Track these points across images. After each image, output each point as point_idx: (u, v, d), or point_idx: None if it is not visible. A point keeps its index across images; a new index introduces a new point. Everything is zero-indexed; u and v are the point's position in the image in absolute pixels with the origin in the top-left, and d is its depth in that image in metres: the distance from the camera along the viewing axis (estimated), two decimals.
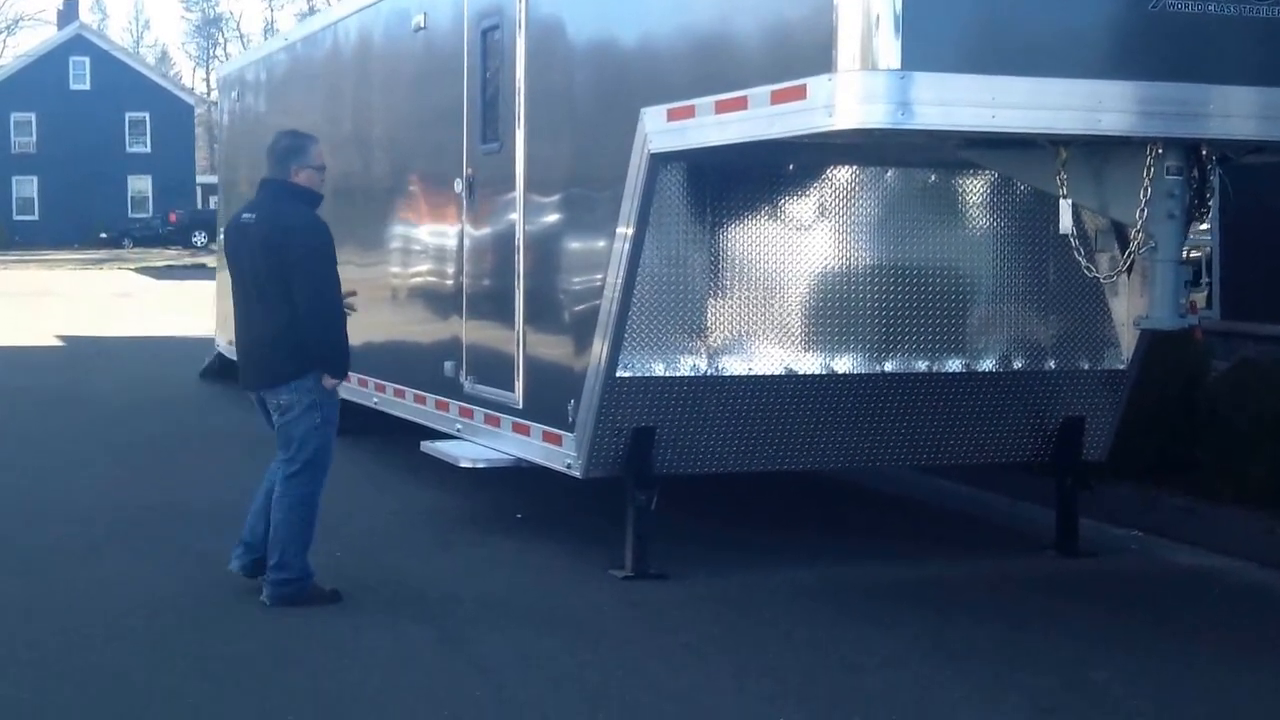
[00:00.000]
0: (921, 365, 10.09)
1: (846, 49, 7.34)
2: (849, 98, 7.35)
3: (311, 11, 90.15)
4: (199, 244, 75.15)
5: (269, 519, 9.23)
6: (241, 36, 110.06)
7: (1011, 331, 10.26)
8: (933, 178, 9.94)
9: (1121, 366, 10.39)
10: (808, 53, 7.59)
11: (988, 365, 10.24)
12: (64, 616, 8.93)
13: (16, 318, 32.21)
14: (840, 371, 9.93)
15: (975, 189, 10.04)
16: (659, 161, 9.00)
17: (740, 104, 8.09)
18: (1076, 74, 7.61)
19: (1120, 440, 10.74)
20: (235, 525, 10.15)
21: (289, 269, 8.96)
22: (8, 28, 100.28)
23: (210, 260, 55.38)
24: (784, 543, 10.80)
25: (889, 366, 10.02)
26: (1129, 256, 8.39)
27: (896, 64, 7.27)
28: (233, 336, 19.03)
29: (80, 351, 25.65)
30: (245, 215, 9.34)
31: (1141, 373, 10.58)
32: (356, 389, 14.02)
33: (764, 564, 10.10)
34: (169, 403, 18.49)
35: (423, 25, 12.58)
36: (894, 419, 10.18)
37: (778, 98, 7.76)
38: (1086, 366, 10.36)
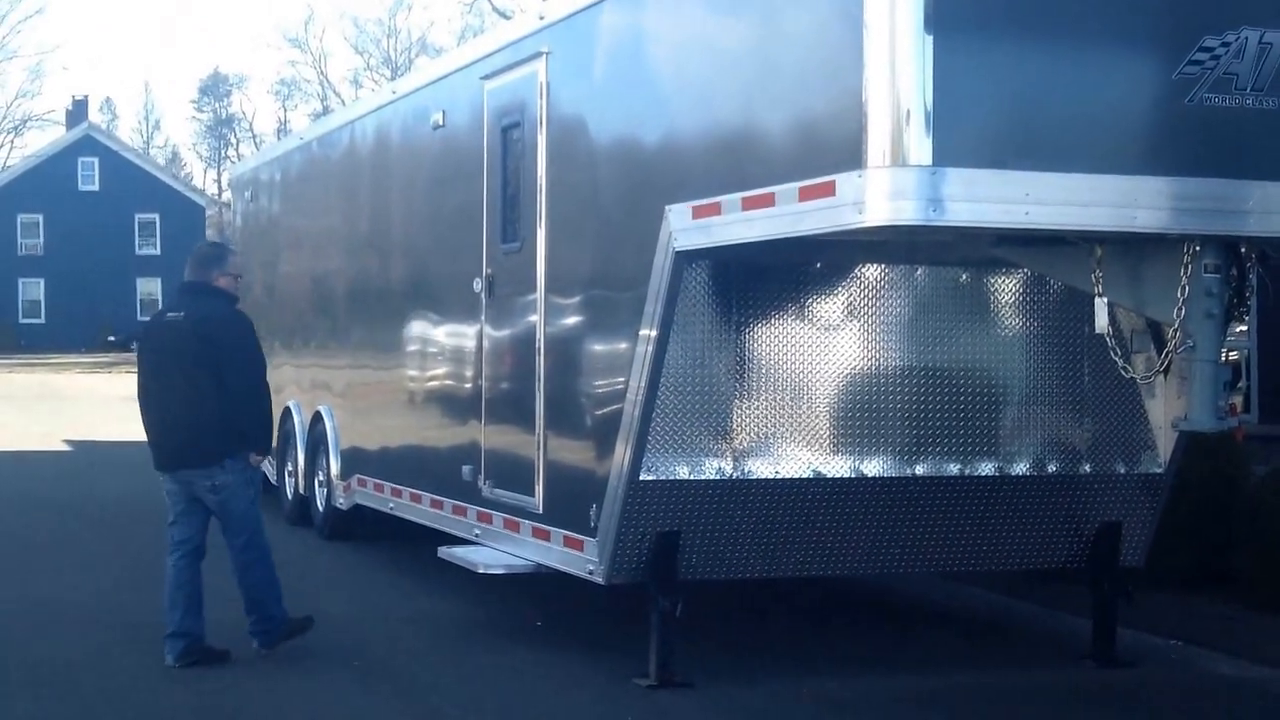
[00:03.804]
0: (953, 469, 10.05)
1: (876, 145, 7.38)
2: (879, 194, 7.39)
3: (326, 112, 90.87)
4: None
5: (186, 604, 10.26)
6: (254, 137, 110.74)
7: (1045, 434, 10.23)
8: (964, 276, 9.94)
9: (1159, 470, 10.35)
10: (836, 149, 7.64)
11: (1021, 469, 10.20)
12: None
13: (24, 422, 32.28)
14: (869, 475, 9.90)
15: (1007, 288, 10.04)
16: (684, 260, 9.03)
17: (767, 201, 8.13)
18: (1111, 169, 7.65)
19: (1158, 546, 10.68)
20: (241, 631, 10.21)
21: (221, 357, 10.16)
22: (15, 128, 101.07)
23: None
24: (811, 650, 10.76)
25: (920, 470, 9.99)
26: (1166, 357, 8.39)
27: (928, 160, 7.31)
28: None
29: (88, 456, 25.67)
30: (171, 314, 10.56)
31: (1179, 477, 10.53)
32: (372, 494, 14.05)
33: (791, 672, 10.04)
34: None
35: (441, 123, 12.68)
36: (925, 524, 10.14)
37: (806, 194, 7.80)
38: (1123, 470, 10.32)
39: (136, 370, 10.75)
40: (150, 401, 10.48)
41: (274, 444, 10.46)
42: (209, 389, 10.13)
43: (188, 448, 10.26)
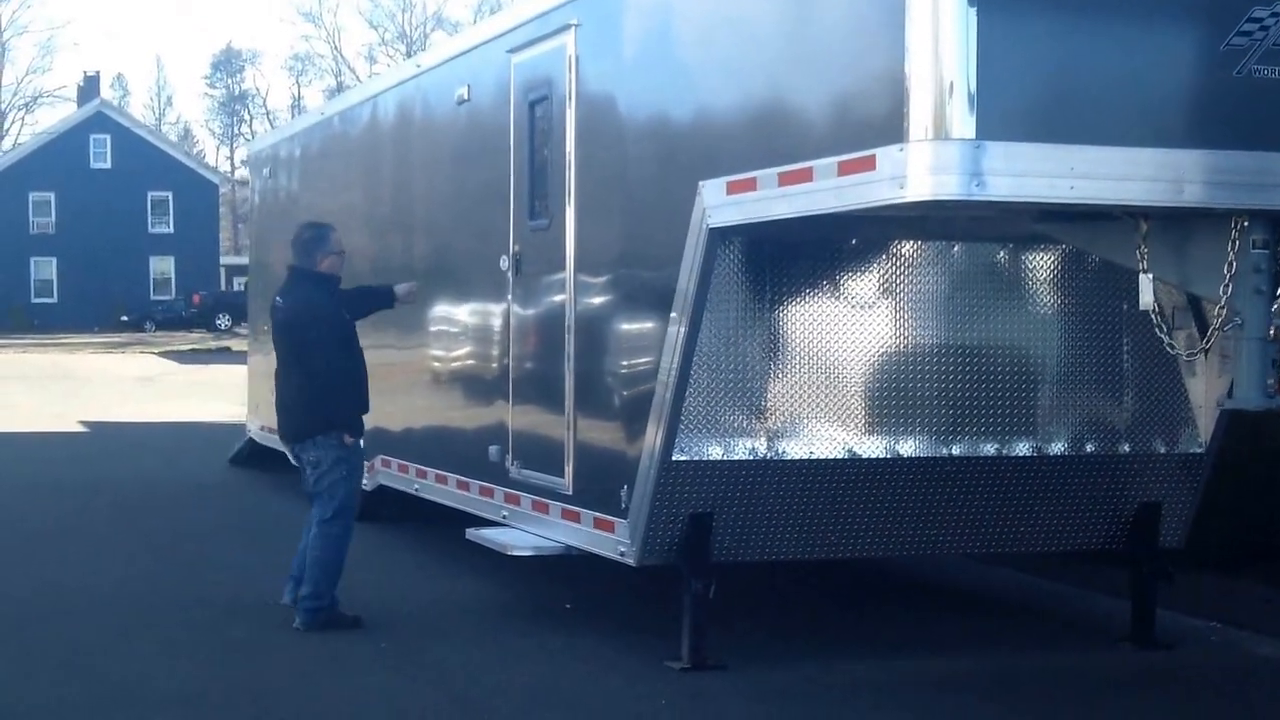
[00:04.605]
0: (989, 449, 10.00)
1: (918, 118, 7.29)
2: (921, 169, 7.31)
3: (340, 88, 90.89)
4: (223, 327, 75.57)
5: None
6: (267, 113, 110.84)
7: (1083, 413, 10.17)
8: (1001, 253, 9.88)
9: (1199, 450, 10.28)
10: (877, 122, 7.57)
11: (1058, 449, 10.14)
12: (97, 714, 8.94)
13: (39, 403, 32.32)
14: (905, 455, 9.85)
15: (1045, 264, 9.98)
16: (717, 236, 8.97)
17: (805, 175, 8.07)
18: (1158, 143, 7.55)
19: (1197, 526, 10.62)
20: (269, 616, 10.25)
21: (301, 344, 10.92)
22: (26, 104, 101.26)
23: (235, 343, 55.69)
24: (845, 634, 10.75)
25: (956, 450, 9.94)
26: (1212, 333, 8.31)
27: (971, 133, 7.23)
28: (265, 422, 19.17)
29: (105, 437, 25.68)
30: (276, 299, 11.27)
31: (1221, 455, 10.46)
32: (397, 475, 14.02)
33: (825, 655, 10.02)
34: (199, 490, 18.49)
35: (466, 98, 12.62)
36: (961, 505, 10.10)
37: (845, 169, 7.74)
38: (1162, 450, 10.26)
39: None
40: (273, 379, 11.46)
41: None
42: (294, 372, 11.02)
43: (287, 423, 11.16)
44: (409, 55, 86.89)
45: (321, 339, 10.90)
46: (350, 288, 11.78)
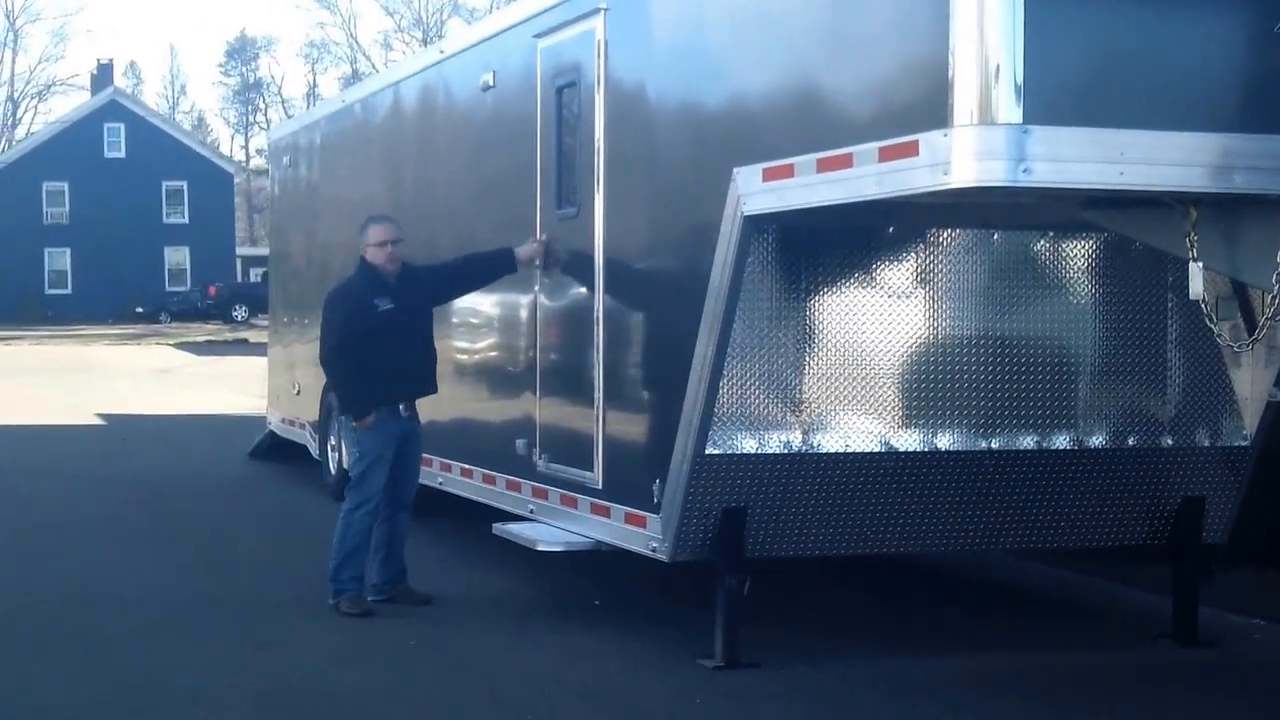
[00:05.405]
0: (1029, 442, 9.88)
1: (963, 102, 7.16)
2: (965, 154, 7.17)
3: (356, 76, 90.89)
4: (239, 318, 75.55)
5: (377, 555, 11.40)
6: (283, 101, 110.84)
7: (1125, 406, 10.05)
8: (1042, 241, 9.76)
9: (1244, 443, 10.17)
10: (919, 107, 7.44)
11: (1099, 442, 10.02)
12: (121, 709, 8.89)
13: (55, 395, 32.32)
14: (942, 448, 9.74)
15: (1087, 253, 9.85)
16: (752, 224, 8.86)
17: (845, 162, 7.95)
18: (1208, 128, 7.42)
19: (1241, 521, 10.50)
20: (292, 610, 10.18)
21: (321, 330, 11.73)
22: (39, 93, 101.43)
23: (253, 335, 55.73)
24: (881, 631, 10.66)
25: (995, 443, 9.82)
26: (1265, 324, 8.19)
27: (1017, 118, 7.09)
28: (285, 414, 19.09)
29: (123, 430, 25.64)
30: None
31: (1265, 449, 10.35)
32: (421, 468, 13.91)
33: (861, 653, 9.93)
34: (219, 483, 18.43)
35: (492, 84, 12.53)
36: (1000, 499, 9.99)
37: (886, 155, 7.62)
38: (1206, 443, 10.14)
39: None
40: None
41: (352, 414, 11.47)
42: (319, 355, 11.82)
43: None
44: (425, 42, 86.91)
45: (340, 327, 11.35)
46: (448, 260, 12.21)
